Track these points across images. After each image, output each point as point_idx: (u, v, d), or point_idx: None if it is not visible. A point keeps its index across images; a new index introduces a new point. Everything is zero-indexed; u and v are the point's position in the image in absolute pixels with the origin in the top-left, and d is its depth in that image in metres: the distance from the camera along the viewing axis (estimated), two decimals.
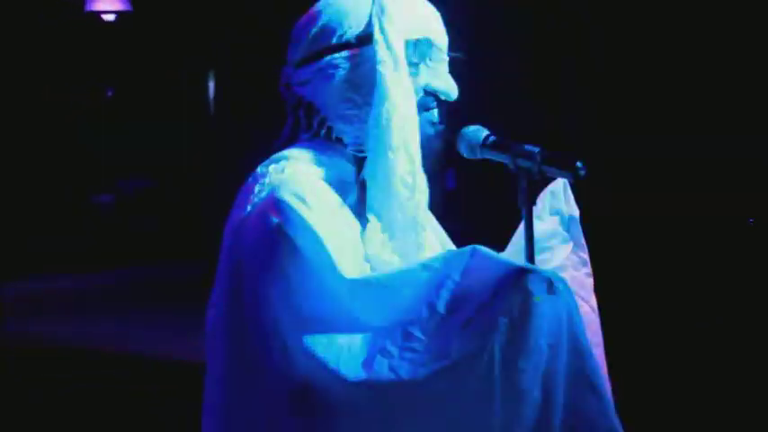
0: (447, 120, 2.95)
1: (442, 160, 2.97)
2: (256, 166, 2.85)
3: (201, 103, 8.27)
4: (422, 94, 2.82)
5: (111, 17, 9.22)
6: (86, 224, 10.03)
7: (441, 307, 2.60)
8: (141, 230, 8.79)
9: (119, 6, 9.11)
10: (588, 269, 2.94)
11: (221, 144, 7.63)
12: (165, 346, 6.19)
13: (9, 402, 6.78)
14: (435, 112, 2.90)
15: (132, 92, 10.17)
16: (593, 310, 2.87)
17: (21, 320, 7.21)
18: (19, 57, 10.24)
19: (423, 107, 2.83)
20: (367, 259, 2.79)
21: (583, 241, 2.92)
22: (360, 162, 2.85)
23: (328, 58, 2.80)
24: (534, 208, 2.83)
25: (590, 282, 2.93)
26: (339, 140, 2.83)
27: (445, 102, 2.91)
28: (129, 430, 6.55)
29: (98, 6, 9.16)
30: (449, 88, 2.87)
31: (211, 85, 8.22)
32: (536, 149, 2.69)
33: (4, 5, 9.73)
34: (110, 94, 10.76)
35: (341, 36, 2.81)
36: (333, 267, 2.65)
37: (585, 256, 2.94)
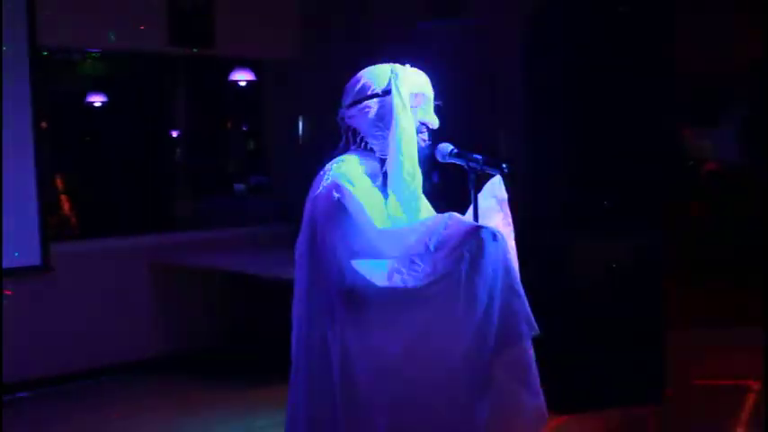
0: (432, 139, 3.02)
1: (429, 163, 3.02)
2: (324, 166, 2.95)
3: (293, 134, 8.20)
4: (418, 124, 2.90)
5: (243, 83, 9.14)
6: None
7: (431, 246, 2.70)
8: (259, 207, 8.69)
9: (248, 77, 9.02)
10: (511, 227, 2.98)
11: (305, 157, 7.61)
12: (272, 269, 6.14)
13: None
14: (426, 135, 2.99)
15: (256, 127, 10.12)
16: (513, 249, 2.89)
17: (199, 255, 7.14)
18: (208, 105, 10.20)
19: (419, 131, 2.97)
20: (389, 218, 2.86)
21: (509, 212, 3.00)
22: (383, 162, 2.93)
23: (365, 102, 2.93)
24: (481, 193, 2.97)
25: (512, 234, 2.95)
26: (371, 150, 2.97)
27: (431, 129, 3.00)
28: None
29: (235, 77, 9.06)
30: (434, 121, 3.00)
31: (300, 124, 8.15)
32: (480, 157, 2.90)
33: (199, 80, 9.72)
34: (245, 128, 10.73)
35: (373, 90, 2.93)
36: (369, 222, 2.75)
37: (510, 220, 2.99)
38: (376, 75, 2.93)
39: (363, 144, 2.92)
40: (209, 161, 10.35)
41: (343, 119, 2.97)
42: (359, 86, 2.92)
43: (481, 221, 2.82)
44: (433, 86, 3.00)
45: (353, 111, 2.92)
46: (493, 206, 2.95)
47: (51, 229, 7.19)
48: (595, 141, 5.49)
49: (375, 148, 2.92)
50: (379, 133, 2.88)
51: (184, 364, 7.09)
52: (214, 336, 7.40)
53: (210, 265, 6.92)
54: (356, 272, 2.66)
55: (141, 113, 9.46)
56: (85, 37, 6.91)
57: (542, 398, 2.80)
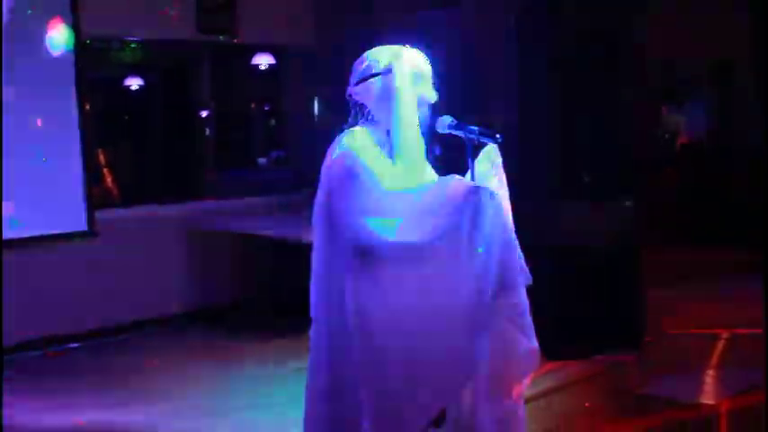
0: (432, 112, 2.98)
1: (431, 134, 2.96)
2: (335, 138, 2.91)
3: (309, 113, 8.13)
4: (419, 98, 2.87)
5: (264, 67, 9.05)
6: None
7: (436, 205, 2.64)
8: (278, 178, 8.62)
9: (269, 60, 8.91)
10: (506, 189, 2.89)
11: (319, 134, 7.56)
12: (290, 232, 6.11)
13: None
14: (426, 108, 2.95)
15: (276, 107, 10.03)
16: (507, 207, 2.82)
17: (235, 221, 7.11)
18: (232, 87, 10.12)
19: (419, 105, 2.91)
20: (395, 181, 2.76)
21: (503, 175, 2.90)
22: (389, 132, 2.89)
23: (370, 80, 2.90)
24: (477, 159, 2.88)
25: (506, 194, 2.86)
26: (378, 122, 2.91)
27: (430, 103, 2.97)
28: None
29: (256, 61, 8.96)
30: (432, 96, 2.96)
31: (316, 103, 8.08)
32: (476, 128, 2.84)
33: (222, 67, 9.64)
34: (266, 107, 10.64)
35: (376, 69, 2.90)
36: (378, 185, 2.71)
37: (504, 182, 2.89)
38: (379, 55, 2.90)
39: (370, 117, 2.90)
40: (234, 137, 10.37)
41: (351, 96, 2.95)
42: (364, 66, 2.91)
43: (478, 182, 2.78)
44: (434, 68, 2.97)
45: (360, 88, 2.90)
46: (489, 170, 2.89)
47: (95, 198, 7.19)
48: (580, 117, 5.44)
49: (381, 121, 2.89)
50: (384, 107, 2.86)
51: (213, 318, 7.08)
52: (239, 292, 7.38)
53: (235, 229, 6.90)
54: (367, 229, 2.64)
55: (173, 95, 9.42)
56: (123, 27, 6.86)
57: (536, 340, 2.78)
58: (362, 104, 2.91)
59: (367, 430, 2.69)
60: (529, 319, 2.76)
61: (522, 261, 2.70)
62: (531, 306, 2.78)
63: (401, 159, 2.82)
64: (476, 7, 6.10)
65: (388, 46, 2.92)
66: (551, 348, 5.25)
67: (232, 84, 10.07)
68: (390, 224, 2.64)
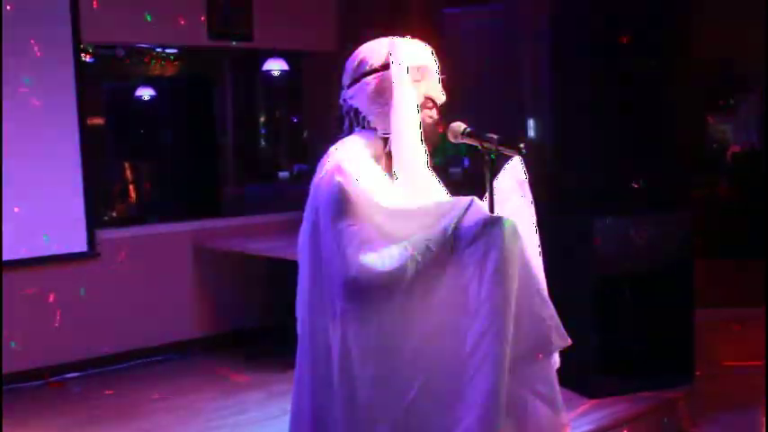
0: (441, 115, 2.59)
1: (441, 142, 2.57)
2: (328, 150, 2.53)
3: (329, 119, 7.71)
4: (423, 99, 2.48)
5: (276, 73, 8.75)
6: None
7: (449, 231, 2.24)
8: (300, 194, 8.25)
9: (281, 66, 8.63)
10: (533, 209, 2.51)
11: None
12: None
13: None
14: (433, 111, 2.55)
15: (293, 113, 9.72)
16: (535, 236, 2.46)
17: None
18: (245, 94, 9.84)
19: (424, 106, 2.49)
20: (393, 200, 2.35)
21: (530, 194, 2.52)
22: (386, 140, 2.46)
23: (364, 79, 2.48)
24: (501, 175, 2.51)
25: (534, 215, 2.50)
26: (374, 129, 2.49)
27: (438, 104, 2.58)
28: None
29: (268, 66, 8.69)
30: (439, 95, 2.54)
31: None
32: (495, 136, 2.42)
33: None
34: (294, 120, 10.33)
35: (371, 65, 2.48)
36: (376, 204, 2.30)
37: (530, 201, 2.52)
38: (374, 49, 2.48)
39: (365, 124, 2.48)
40: (254, 151, 10.08)
41: (345, 101, 2.53)
42: (356, 63, 2.49)
43: (500, 203, 2.39)
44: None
45: (353, 90, 2.48)
46: (513, 187, 2.48)
47: (118, 215, 6.90)
48: (621, 126, 5.01)
49: (378, 127, 2.46)
50: (380, 110, 2.43)
51: (226, 346, 6.67)
52: (255, 318, 6.95)
53: (253, 249, 6.47)
54: (364, 265, 2.21)
55: (188, 106, 9.08)
56: (127, 33, 6.49)
57: (566, 414, 2.31)
58: (357, 109, 2.48)
59: None
60: (557, 388, 2.30)
61: (556, 317, 2.24)
62: (570, 335, 2.32)
63: (401, 172, 2.38)
64: (506, 3, 5.66)
65: (384, 38, 2.50)
66: (592, 383, 4.83)
67: (253, 95, 9.76)
68: (393, 252, 2.22)
